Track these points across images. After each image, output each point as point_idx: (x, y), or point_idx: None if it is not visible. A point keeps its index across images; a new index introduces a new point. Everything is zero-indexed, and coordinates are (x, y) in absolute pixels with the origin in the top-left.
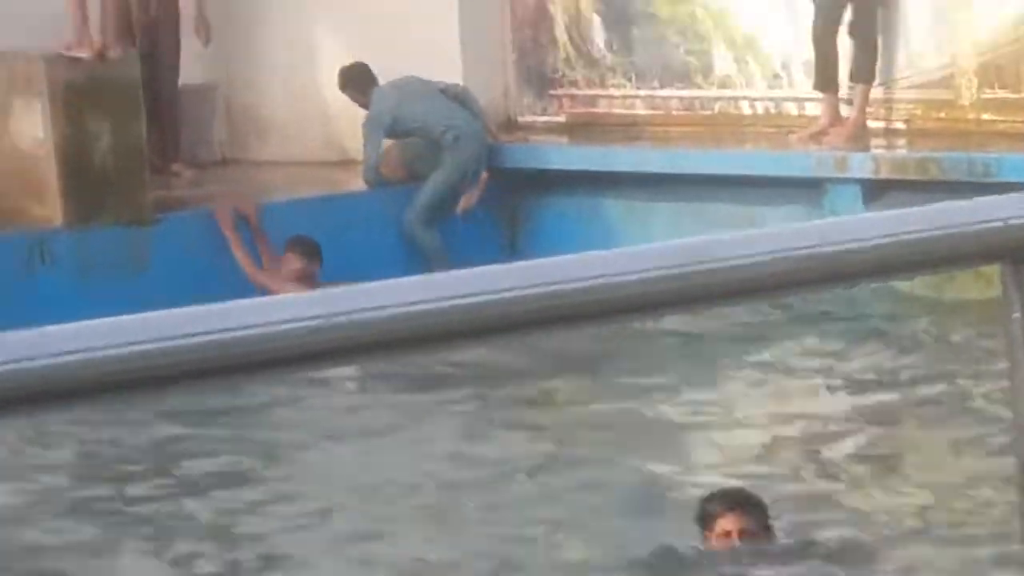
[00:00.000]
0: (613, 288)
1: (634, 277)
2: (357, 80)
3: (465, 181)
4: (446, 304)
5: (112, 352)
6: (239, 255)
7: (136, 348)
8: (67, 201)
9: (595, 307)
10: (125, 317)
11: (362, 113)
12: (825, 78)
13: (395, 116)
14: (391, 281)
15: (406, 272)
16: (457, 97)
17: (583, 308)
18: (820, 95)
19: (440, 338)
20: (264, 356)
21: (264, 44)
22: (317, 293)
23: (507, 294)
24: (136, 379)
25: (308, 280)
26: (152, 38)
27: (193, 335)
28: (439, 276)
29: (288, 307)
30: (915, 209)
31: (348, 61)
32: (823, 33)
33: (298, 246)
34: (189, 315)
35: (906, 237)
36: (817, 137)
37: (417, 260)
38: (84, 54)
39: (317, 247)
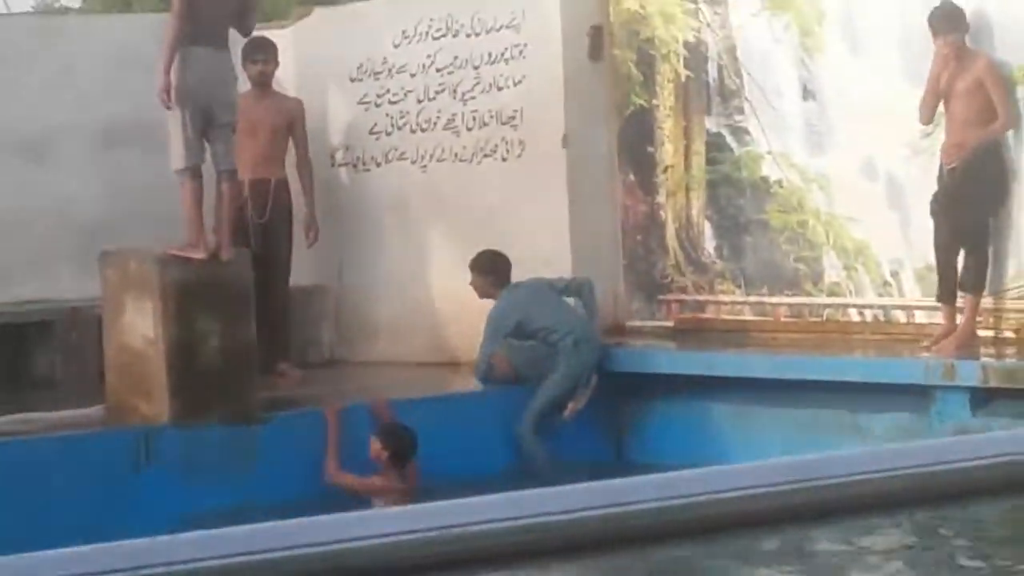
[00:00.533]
0: (721, 504)
1: (742, 493)
2: (497, 269)
3: (578, 386)
4: (554, 519)
5: (216, 563)
6: (330, 453)
7: (240, 559)
8: (175, 399)
9: (705, 523)
10: (232, 529)
11: (473, 314)
12: (947, 290)
13: (523, 317)
14: (495, 496)
15: (513, 474)
16: (579, 292)
17: (693, 523)
18: (934, 303)
19: (548, 552)
20: (376, 568)
21: (375, 247)
22: (431, 506)
23: (612, 509)
24: None
25: (392, 468)
26: (266, 240)
27: (300, 546)
28: (545, 491)
29: (397, 520)
30: None
31: (457, 267)
32: (947, 246)
33: (382, 433)
34: (295, 527)
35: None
36: (928, 346)
37: (526, 462)
38: (197, 255)
39: (402, 437)
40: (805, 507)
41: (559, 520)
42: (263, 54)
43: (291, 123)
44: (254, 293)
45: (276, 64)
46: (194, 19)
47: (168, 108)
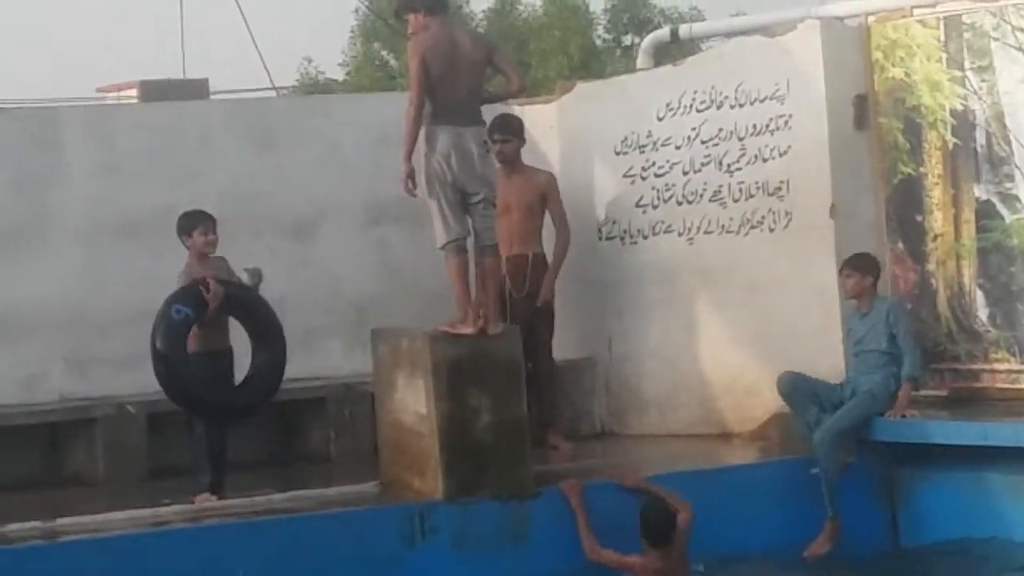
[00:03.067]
0: None
1: None
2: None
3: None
4: None
5: None
6: (582, 532)
7: None
8: (448, 475)
9: None
10: None
11: (742, 386)
12: None
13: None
14: None
15: (787, 545)
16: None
17: None
18: None
19: None
20: None
21: (644, 320)
22: None
23: None
24: None
25: (651, 548)
26: (524, 315)
27: None
28: None
29: None
30: None
31: (725, 336)
32: None
33: (641, 514)
34: None
35: None
36: None
37: (797, 533)
38: (467, 330)
39: (654, 518)
40: None
41: None
42: (501, 133)
43: (544, 197)
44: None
45: (520, 142)
46: (433, 100)
47: (412, 196)
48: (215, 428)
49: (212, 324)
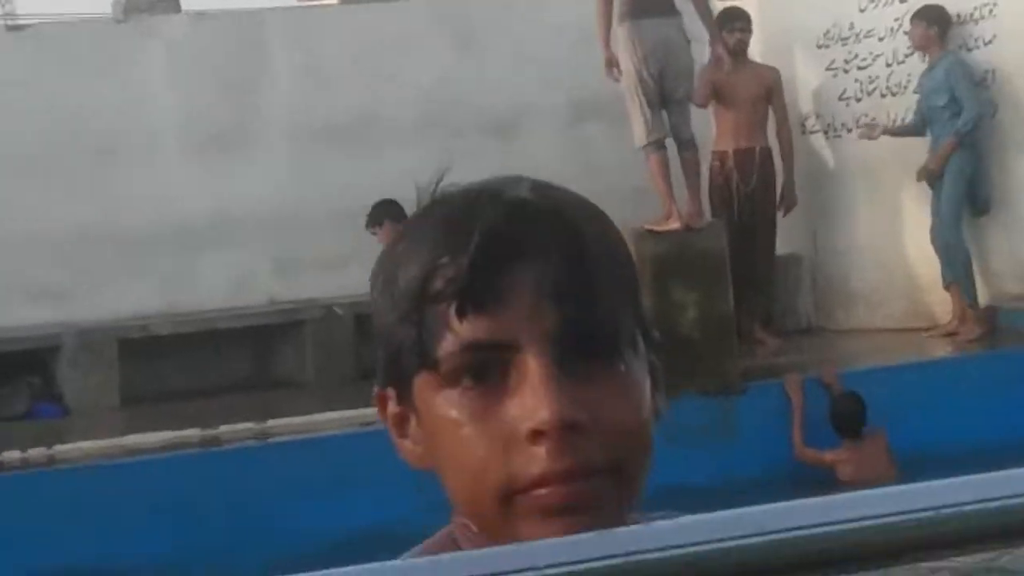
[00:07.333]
0: None
1: None
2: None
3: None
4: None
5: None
6: (795, 427)
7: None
8: None
9: None
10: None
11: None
12: None
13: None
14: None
15: (993, 437)
16: None
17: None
18: None
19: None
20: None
21: (849, 214)
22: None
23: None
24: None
25: (845, 440)
26: (752, 208)
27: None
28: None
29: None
30: None
31: (922, 230)
32: None
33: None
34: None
35: None
36: None
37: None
38: (672, 226)
39: (840, 409)
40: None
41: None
42: (742, 22)
43: (769, 91)
44: (732, 262)
45: (751, 32)
46: None
47: (616, 81)
48: None
49: None
